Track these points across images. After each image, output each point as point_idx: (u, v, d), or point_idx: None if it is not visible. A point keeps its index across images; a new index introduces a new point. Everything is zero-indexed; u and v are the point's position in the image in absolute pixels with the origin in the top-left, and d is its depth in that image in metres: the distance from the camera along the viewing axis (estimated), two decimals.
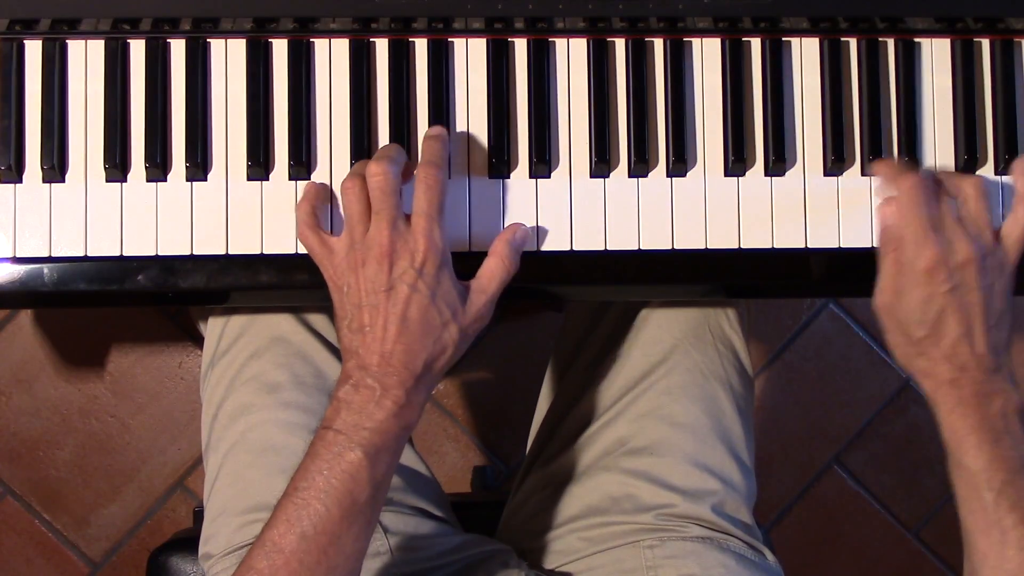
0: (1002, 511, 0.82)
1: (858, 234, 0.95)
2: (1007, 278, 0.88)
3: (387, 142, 0.93)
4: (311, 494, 0.81)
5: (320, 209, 0.90)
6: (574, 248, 0.94)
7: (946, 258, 0.86)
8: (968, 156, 0.95)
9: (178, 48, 0.93)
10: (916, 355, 0.88)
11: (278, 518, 0.82)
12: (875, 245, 0.90)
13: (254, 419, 1.00)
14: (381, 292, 0.84)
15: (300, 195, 0.91)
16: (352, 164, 0.92)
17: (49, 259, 0.91)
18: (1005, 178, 0.96)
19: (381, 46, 0.94)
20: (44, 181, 0.92)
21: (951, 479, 0.86)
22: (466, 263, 0.89)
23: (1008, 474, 0.83)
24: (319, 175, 0.93)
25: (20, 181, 0.92)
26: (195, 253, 0.92)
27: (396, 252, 0.84)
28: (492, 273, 0.89)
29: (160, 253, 0.92)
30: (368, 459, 0.82)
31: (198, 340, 1.73)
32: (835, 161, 0.95)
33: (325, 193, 0.91)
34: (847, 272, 0.95)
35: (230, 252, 0.92)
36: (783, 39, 0.95)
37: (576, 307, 1.17)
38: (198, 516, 1.22)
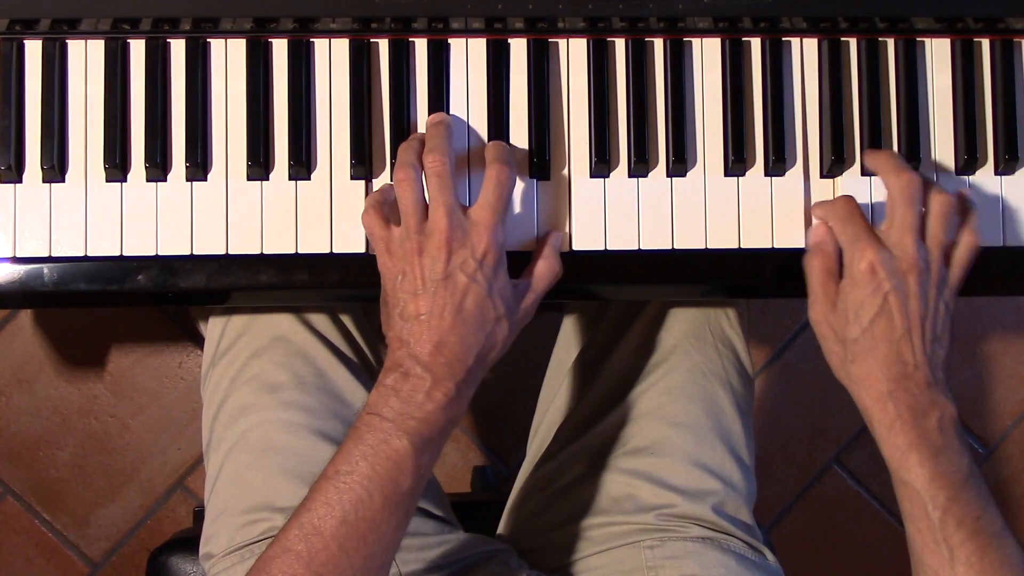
0: (949, 528, 0.82)
1: None
2: (950, 298, 0.88)
3: (387, 142, 0.93)
4: (354, 479, 0.80)
5: (389, 202, 0.89)
6: (574, 248, 0.93)
7: (888, 260, 0.86)
8: (968, 156, 0.95)
9: (178, 48, 0.93)
10: (851, 361, 0.87)
11: (317, 500, 0.81)
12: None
13: (255, 419, 1.00)
14: (439, 280, 0.84)
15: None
16: (352, 164, 0.92)
17: (49, 259, 0.91)
18: (1006, 178, 0.96)
19: (381, 46, 0.94)
20: (44, 181, 0.92)
21: (896, 495, 0.86)
22: None
23: (952, 490, 0.83)
24: (319, 175, 0.93)
25: (20, 181, 0.92)
26: (195, 253, 0.92)
27: (456, 240, 0.84)
28: (542, 274, 0.89)
29: (160, 253, 0.92)
30: (414, 449, 0.81)
31: (198, 340, 1.73)
32: (835, 161, 0.95)
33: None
34: None
35: (230, 252, 0.92)
36: (783, 39, 0.95)
37: (576, 307, 1.17)
38: (198, 516, 1.23)
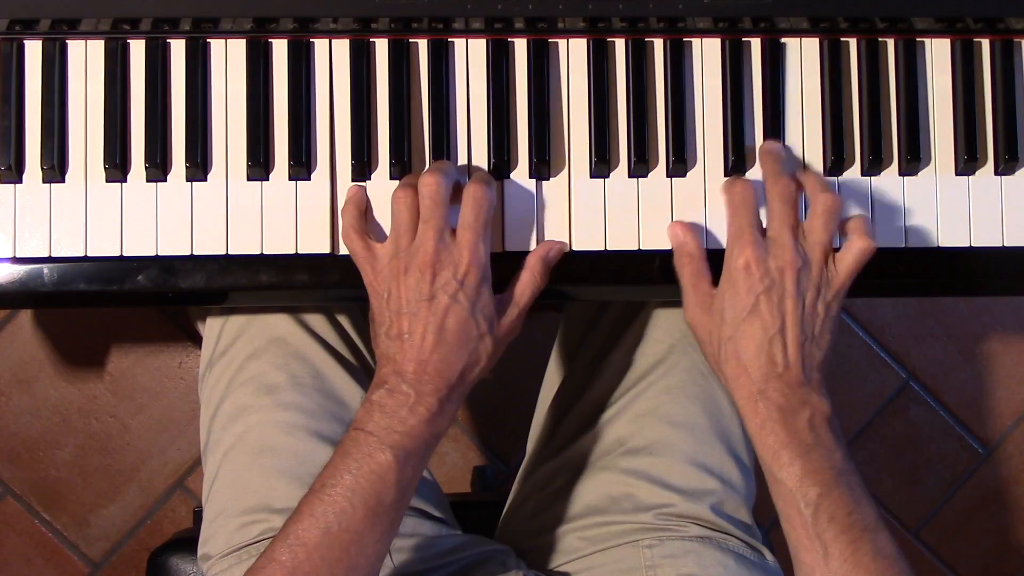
0: (821, 525, 0.82)
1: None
2: (832, 299, 0.87)
3: (387, 142, 0.93)
4: (338, 491, 0.82)
5: (364, 214, 0.91)
6: (574, 248, 0.94)
7: (764, 258, 0.86)
8: (968, 156, 0.95)
9: (178, 48, 0.93)
10: (724, 360, 0.88)
11: (303, 512, 0.83)
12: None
13: (252, 420, 1.00)
14: (423, 301, 0.85)
15: (344, 198, 0.91)
16: (353, 164, 0.92)
17: (49, 259, 0.91)
18: (1006, 178, 0.96)
19: (381, 46, 0.94)
20: (44, 181, 0.92)
21: (771, 495, 0.86)
22: None
23: (822, 487, 0.83)
24: (319, 175, 0.93)
25: (20, 181, 0.92)
26: (195, 253, 0.92)
27: (440, 262, 0.85)
28: (524, 287, 0.90)
29: (160, 253, 0.92)
30: (397, 462, 0.83)
31: (198, 340, 1.73)
32: (835, 161, 0.95)
33: (366, 198, 0.92)
34: None
35: (230, 252, 0.92)
36: (783, 39, 0.95)
37: (576, 307, 1.17)
38: (198, 516, 1.22)
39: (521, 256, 0.92)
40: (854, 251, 0.89)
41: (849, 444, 0.87)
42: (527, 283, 0.91)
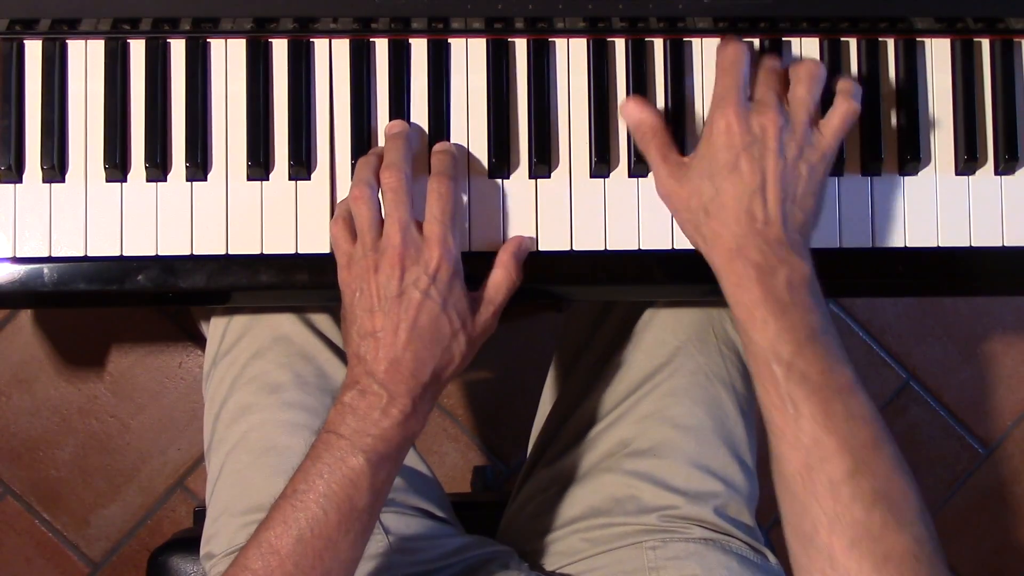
0: (792, 384, 0.79)
1: (857, 234, 0.95)
2: (817, 161, 0.86)
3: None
4: (310, 497, 0.81)
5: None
6: (574, 248, 0.93)
7: (746, 117, 0.85)
8: (968, 156, 0.95)
9: (178, 48, 0.93)
10: (703, 223, 0.85)
11: (275, 519, 0.82)
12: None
13: (256, 419, 1.00)
14: (393, 298, 0.84)
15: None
16: (353, 164, 0.92)
17: (49, 259, 0.91)
18: (1006, 178, 0.96)
19: (381, 46, 0.94)
20: (44, 181, 0.92)
21: (745, 358, 0.84)
22: (466, 263, 0.89)
23: (795, 345, 0.80)
24: (319, 175, 0.93)
25: (20, 181, 0.92)
26: (195, 253, 0.92)
27: (409, 257, 0.84)
28: (499, 285, 0.89)
29: (160, 253, 0.92)
30: (370, 466, 0.82)
31: (198, 340, 1.73)
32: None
33: None
34: (844, 272, 0.95)
35: (230, 252, 0.92)
36: (783, 39, 0.95)
37: (578, 308, 1.17)
38: (198, 516, 1.23)
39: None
40: (839, 113, 0.88)
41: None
42: (502, 280, 0.90)
